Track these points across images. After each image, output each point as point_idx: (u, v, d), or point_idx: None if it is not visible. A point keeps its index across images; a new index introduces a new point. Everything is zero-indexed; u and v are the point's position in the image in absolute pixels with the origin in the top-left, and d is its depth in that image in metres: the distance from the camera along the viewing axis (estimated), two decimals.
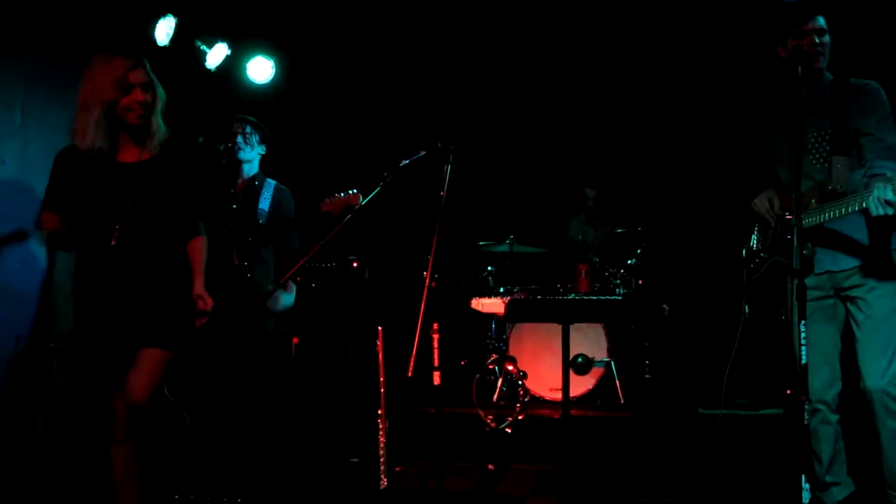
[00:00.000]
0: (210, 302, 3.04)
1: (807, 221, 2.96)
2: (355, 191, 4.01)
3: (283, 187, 4.42)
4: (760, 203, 3.24)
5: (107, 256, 2.96)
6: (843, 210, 2.85)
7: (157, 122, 3.02)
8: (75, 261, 3.04)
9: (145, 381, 2.94)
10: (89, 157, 2.93)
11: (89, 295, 2.99)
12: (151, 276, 3.00)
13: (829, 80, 3.15)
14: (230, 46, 5.04)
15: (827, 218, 2.92)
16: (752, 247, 3.36)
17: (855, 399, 3.13)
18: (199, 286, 3.06)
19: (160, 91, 3.02)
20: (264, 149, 4.43)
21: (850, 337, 3.15)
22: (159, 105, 3.01)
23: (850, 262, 3.06)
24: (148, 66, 2.99)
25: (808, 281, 2.94)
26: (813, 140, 3.11)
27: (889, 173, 2.81)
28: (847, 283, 3.08)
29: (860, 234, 3.06)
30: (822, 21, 3.07)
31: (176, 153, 3.09)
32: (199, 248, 3.13)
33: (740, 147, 3.47)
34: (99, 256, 2.97)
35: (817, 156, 3.10)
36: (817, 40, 3.04)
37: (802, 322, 2.63)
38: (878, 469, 3.11)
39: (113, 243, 2.94)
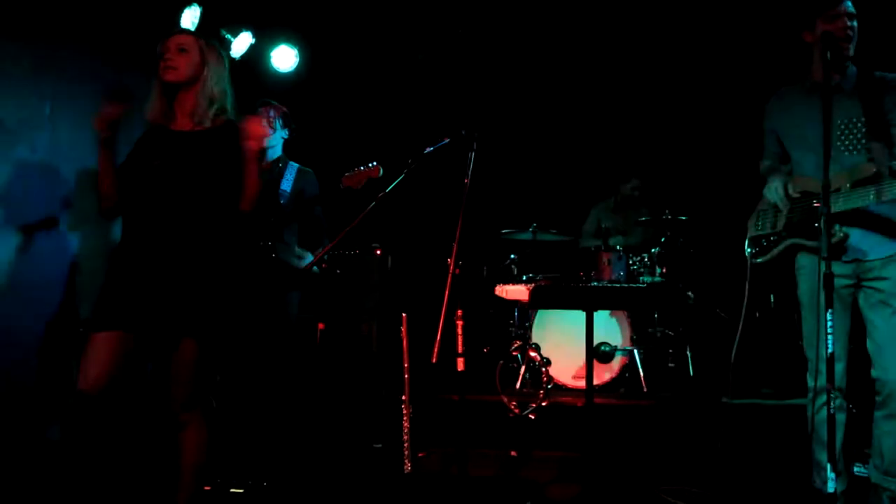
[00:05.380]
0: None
1: (839, 206, 2.95)
2: (375, 163, 4.02)
3: (307, 169, 4.47)
4: (775, 191, 3.21)
5: (143, 228, 2.93)
6: (888, 194, 2.85)
7: (208, 91, 3.02)
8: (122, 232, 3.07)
9: (187, 383, 2.92)
10: (154, 129, 3.02)
11: (120, 270, 2.93)
12: (187, 254, 2.92)
13: (855, 72, 3.14)
14: (254, 35, 5.07)
15: (862, 203, 2.91)
16: (759, 228, 3.33)
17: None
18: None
19: (211, 62, 3.04)
20: (287, 133, 4.48)
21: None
22: (210, 75, 3.03)
23: (883, 251, 3.02)
24: (194, 36, 3.06)
25: (834, 269, 2.92)
26: (842, 126, 3.08)
27: None
28: (874, 274, 3.04)
29: (894, 222, 3.02)
30: (850, 5, 3.06)
31: (227, 133, 3.03)
32: None
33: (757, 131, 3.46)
34: (136, 227, 2.95)
35: (846, 142, 3.07)
36: (848, 23, 3.02)
37: (829, 311, 2.61)
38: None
39: (147, 213, 2.91)
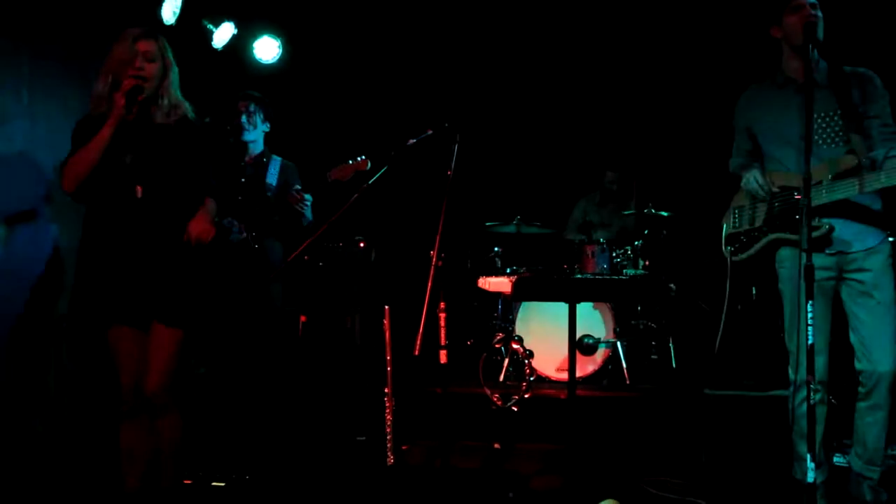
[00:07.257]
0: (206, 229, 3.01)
1: (822, 198, 2.97)
2: (364, 157, 4.02)
3: (289, 163, 4.47)
4: (754, 181, 3.20)
5: (118, 217, 2.97)
6: (875, 184, 2.87)
7: (171, 96, 3.04)
8: (84, 224, 3.06)
9: (160, 370, 2.96)
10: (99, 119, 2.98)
11: (95, 260, 2.98)
12: (161, 243, 2.98)
13: (826, 66, 3.15)
14: (237, 26, 5.02)
15: (845, 195, 2.93)
16: (735, 225, 3.34)
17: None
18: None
19: (172, 67, 3.05)
20: (268, 126, 4.46)
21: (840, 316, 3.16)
22: (171, 80, 3.04)
23: (865, 243, 3.04)
24: (160, 40, 3.04)
25: (817, 261, 2.92)
26: (819, 120, 3.09)
27: None
28: (856, 266, 3.06)
29: (877, 215, 3.04)
30: None
31: (188, 127, 3.08)
32: (208, 201, 3.13)
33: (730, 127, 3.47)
34: (110, 217, 2.99)
35: (824, 135, 3.09)
36: (811, 11, 3.04)
37: (810, 302, 2.63)
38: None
39: (124, 203, 2.95)
